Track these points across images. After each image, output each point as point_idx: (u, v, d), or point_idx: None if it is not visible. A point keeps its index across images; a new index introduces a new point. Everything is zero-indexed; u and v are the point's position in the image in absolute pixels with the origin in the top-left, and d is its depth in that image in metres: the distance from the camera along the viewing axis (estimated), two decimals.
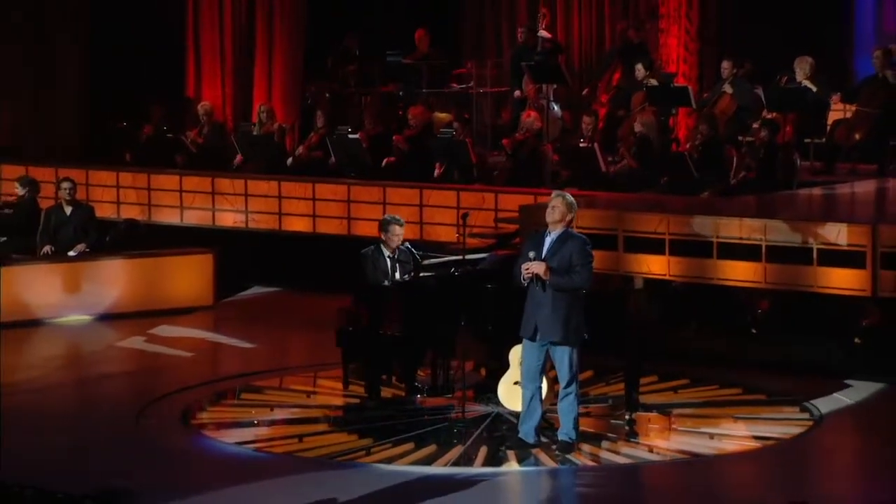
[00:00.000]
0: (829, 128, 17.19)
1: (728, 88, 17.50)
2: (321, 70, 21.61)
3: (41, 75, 21.30)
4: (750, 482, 10.67)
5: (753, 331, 14.09)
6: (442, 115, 19.62)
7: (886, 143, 16.66)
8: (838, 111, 17.51)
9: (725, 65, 17.65)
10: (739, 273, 13.06)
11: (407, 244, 12.69)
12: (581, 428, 11.07)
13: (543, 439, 11.05)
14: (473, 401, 12.13)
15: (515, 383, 11.31)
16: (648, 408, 12.08)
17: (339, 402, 12.53)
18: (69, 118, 21.49)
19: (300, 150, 19.63)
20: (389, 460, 10.82)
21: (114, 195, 19.36)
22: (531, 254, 10.79)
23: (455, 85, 20.72)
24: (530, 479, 10.65)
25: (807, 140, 16.83)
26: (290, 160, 19.45)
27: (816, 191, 15.63)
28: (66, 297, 15.98)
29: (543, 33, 19.46)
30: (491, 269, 12.62)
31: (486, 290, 11.90)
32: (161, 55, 21.38)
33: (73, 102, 21.47)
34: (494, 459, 10.84)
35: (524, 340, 10.94)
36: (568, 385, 10.88)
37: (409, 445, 11.12)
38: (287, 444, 11.28)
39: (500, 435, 11.39)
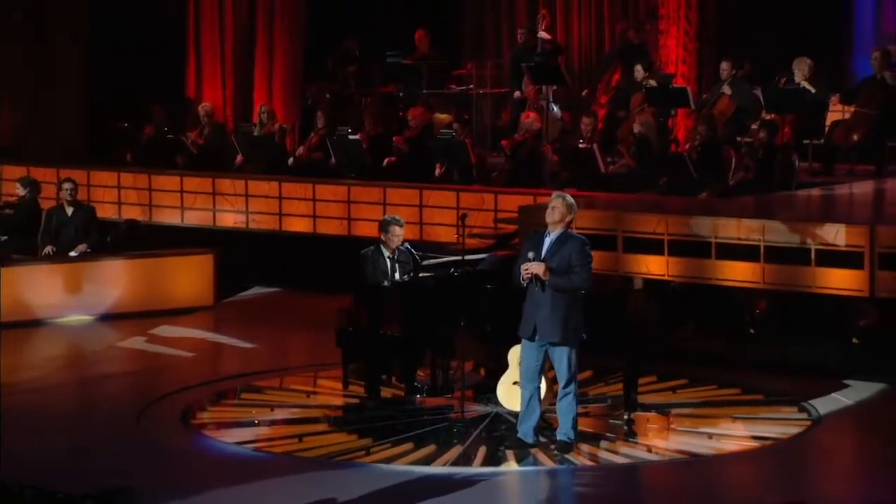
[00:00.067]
0: (827, 129, 17.21)
1: (727, 89, 17.54)
2: (321, 71, 21.64)
3: (41, 75, 21.32)
4: (748, 482, 10.69)
5: (752, 331, 14.11)
6: (442, 116, 19.65)
7: (884, 144, 16.69)
8: (837, 112, 17.53)
9: (724, 66, 17.69)
10: (738, 273, 13.10)
11: (406, 244, 12.71)
12: (580, 428, 11.09)
13: (542, 439, 11.08)
14: (473, 401, 12.15)
15: (514, 383, 11.34)
16: (647, 408, 12.09)
17: (338, 402, 12.55)
18: (69, 119, 21.50)
19: (300, 150, 19.67)
20: (389, 460, 10.84)
21: (115, 196, 19.40)
22: (530, 254, 10.82)
23: (455, 86, 20.74)
24: (529, 478, 10.67)
25: (805, 141, 16.85)
26: (290, 160, 19.50)
27: (815, 191, 15.65)
28: (67, 298, 16.00)
29: (543, 34, 19.49)
30: (490, 269, 12.62)
31: (486, 291, 11.93)
32: (161, 55, 21.41)
33: (73, 103, 21.49)
34: (493, 459, 10.86)
35: (523, 340, 10.97)
36: (567, 385, 10.90)
37: (409, 445, 11.14)
38: (287, 443, 11.31)
39: (499, 435, 11.41)
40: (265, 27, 21.64)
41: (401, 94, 20.55)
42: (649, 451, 11.13)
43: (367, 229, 16.17)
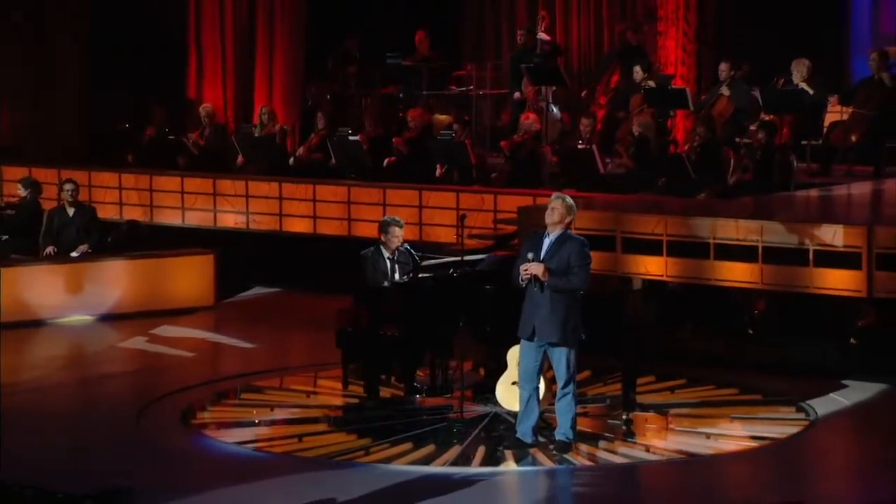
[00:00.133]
0: (825, 130, 17.24)
1: (725, 90, 17.57)
2: (322, 72, 21.67)
3: (41, 76, 21.33)
4: (746, 482, 10.72)
5: (750, 331, 14.14)
6: (442, 117, 19.68)
7: (882, 144, 16.71)
8: (835, 113, 17.55)
9: (723, 67, 17.72)
10: (736, 274, 13.11)
11: (406, 245, 12.74)
12: (578, 428, 11.12)
13: (541, 439, 11.10)
14: (472, 401, 12.17)
15: (513, 383, 11.36)
16: (646, 408, 12.11)
17: (338, 402, 12.57)
18: (70, 119, 21.52)
19: (300, 151, 19.71)
20: (388, 460, 10.87)
21: (116, 196, 19.42)
22: (530, 255, 10.85)
23: (455, 87, 20.77)
24: (528, 478, 10.69)
25: (803, 142, 16.87)
26: (291, 161, 19.54)
27: (813, 192, 15.66)
28: (68, 298, 16.03)
29: (543, 35, 19.53)
30: (489, 270, 12.62)
31: (485, 291, 11.95)
32: (162, 56, 21.43)
33: (73, 103, 21.51)
34: (492, 459, 10.88)
35: (522, 341, 10.99)
36: (565, 385, 10.94)
37: (408, 445, 11.17)
38: (287, 443, 11.33)
39: (498, 435, 11.43)
40: (265, 28, 21.67)
41: (401, 96, 20.58)
42: (648, 451, 11.16)
43: (367, 230, 16.21)
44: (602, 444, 11.26)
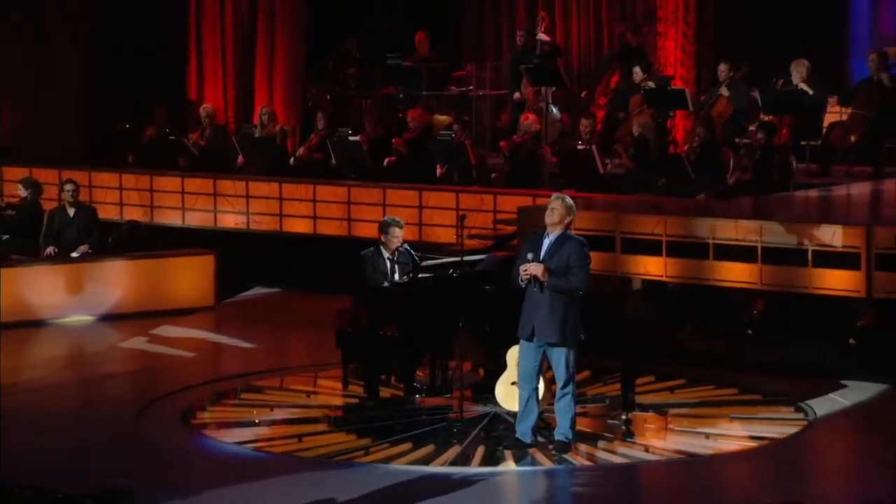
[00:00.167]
0: (824, 130, 17.26)
1: (725, 91, 17.59)
2: (322, 72, 21.70)
3: (41, 76, 21.34)
4: (745, 482, 10.74)
5: (749, 332, 14.15)
6: (442, 118, 19.71)
7: (881, 145, 16.74)
8: (834, 114, 17.57)
9: (722, 68, 17.75)
10: (735, 274, 13.13)
11: (406, 246, 12.77)
12: (578, 428, 11.13)
13: (540, 439, 11.12)
14: (471, 401, 12.19)
15: (513, 383, 11.38)
16: (645, 408, 12.14)
17: (338, 402, 12.59)
18: (70, 120, 21.53)
19: (300, 151, 19.73)
20: (388, 460, 10.88)
21: (116, 197, 19.44)
22: (529, 255, 10.87)
23: (455, 87, 20.80)
24: (527, 478, 10.71)
25: (803, 142, 16.89)
26: (291, 161, 19.57)
27: (812, 193, 15.68)
28: (68, 298, 16.05)
29: (542, 36, 19.56)
30: (489, 270, 12.64)
31: (485, 292, 11.97)
32: (162, 56, 21.45)
33: (73, 103, 21.52)
34: (492, 459, 10.90)
35: (521, 341, 11.01)
36: (565, 386, 10.95)
37: (408, 445, 11.19)
38: (286, 443, 11.35)
39: (497, 435, 11.44)
40: (266, 29, 21.69)
41: (401, 96, 20.61)
42: (647, 450, 11.18)
43: (367, 230, 16.23)
44: (601, 444, 11.28)
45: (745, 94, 17.61)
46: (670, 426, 11.82)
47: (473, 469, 10.67)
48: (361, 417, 12.10)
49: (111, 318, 16.08)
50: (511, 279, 11.01)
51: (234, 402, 12.72)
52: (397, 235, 12.65)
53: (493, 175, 17.77)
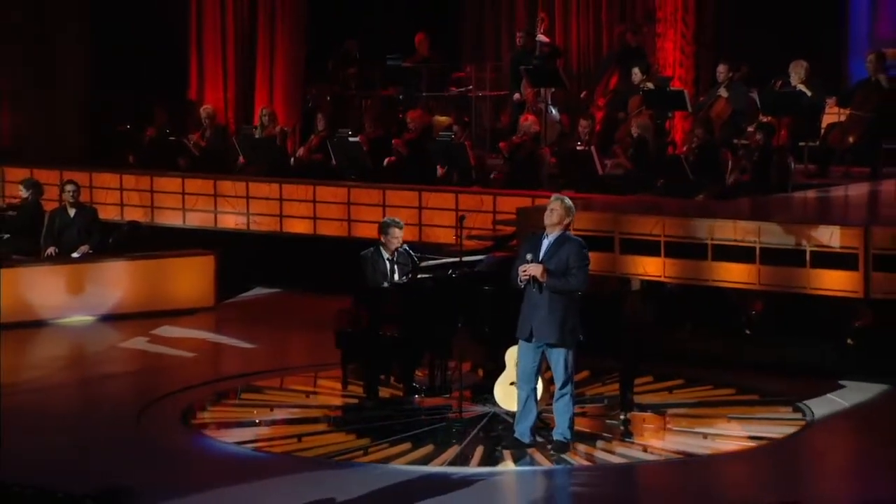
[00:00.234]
0: (823, 131, 17.28)
1: (723, 92, 17.63)
2: (322, 73, 21.71)
3: (42, 76, 21.36)
4: (744, 482, 10.77)
5: (747, 332, 14.17)
6: (441, 119, 19.74)
7: (879, 146, 16.78)
8: (832, 115, 17.60)
9: (721, 69, 17.78)
10: (734, 275, 13.16)
11: (405, 246, 12.80)
12: (576, 428, 11.17)
13: (539, 439, 11.15)
14: (470, 401, 12.22)
15: (512, 384, 11.39)
16: (643, 408, 12.17)
17: (338, 402, 12.62)
18: (71, 120, 21.55)
19: (300, 151, 19.76)
20: (387, 460, 10.91)
21: (117, 197, 19.46)
22: (528, 256, 10.90)
23: (454, 88, 20.83)
24: (526, 478, 10.75)
25: (801, 143, 16.91)
26: (291, 161, 19.60)
27: (810, 193, 15.71)
28: (69, 298, 16.08)
29: (542, 38, 19.59)
30: (488, 270, 12.68)
31: (484, 292, 12.01)
32: (162, 57, 21.47)
33: (74, 104, 21.54)
34: (491, 459, 10.93)
35: (520, 342, 11.04)
36: (563, 386, 10.98)
37: (407, 445, 11.22)
38: (286, 443, 11.38)
39: (496, 435, 11.48)
40: (266, 29, 21.71)
41: (401, 97, 20.64)
42: (645, 450, 11.21)
43: (367, 231, 16.26)
44: (600, 444, 11.31)
45: (743, 95, 17.63)
46: (668, 426, 11.85)
47: (472, 469, 10.70)
48: (361, 417, 12.13)
49: (112, 319, 16.10)
50: (510, 280, 11.04)
51: (234, 402, 12.75)
52: (397, 236, 12.68)
53: (493, 176, 17.80)
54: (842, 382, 12.95)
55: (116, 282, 16.37)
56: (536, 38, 19.59)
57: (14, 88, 21.30)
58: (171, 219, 19.07)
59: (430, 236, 16.62)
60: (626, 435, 11.59)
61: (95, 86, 21.57)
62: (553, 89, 18.87)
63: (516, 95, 19.69)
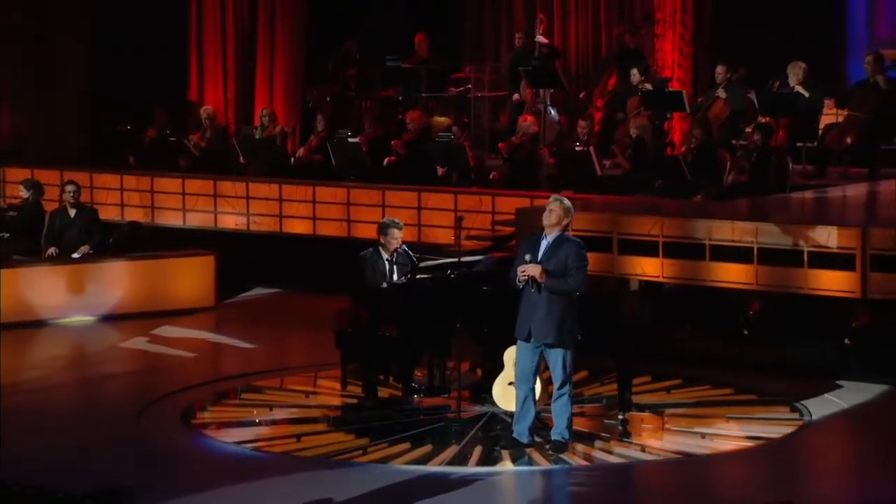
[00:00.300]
0: (820, 132, 17.32)
1: (722, 93, 17.67)
2: (322, 74, 21.73)
3: (42, 77, 21.39)
4: (742, 481, 10.79)
5: (745, 332, 14.20)
6: (441, 119, 19.78)
7: (877, 146, 16.82)
8: (830, 116, 17.64)
9: (719, 70, 17.83)
10: (732, 275, 13.18)
11: (404, 247, 12.84)
12: (574, 428, 11.20)
13: (537, 439, 11.16)
14: (469, 401, 12.25)
15: (510, 384, 11.42)
16: (641, 408, 12.19)
17: (337, 402, 12.64)
18: (71, 121, 21.56)
19: (300, 152, 19.79)
20: (386, 460, 10.94)
21: (117, 198, 19.48)
22: (527, 256, 10.92)
23: (453, 89, 20.86)
24: (524, 478, 10.77)
25: (799, 144, 16.95)
26: (292, 162, 19.64)
27: (808, 194, 15.74)
28: (69, 299, 16.10)
29: (541, 38, 19.63)
30: (487, 271, 12.70)
31: (482, 292, 12.03)
32: (163, 57, 21.49)
33: (74, 104, 21.55)
34: (489, 459, 10.95)
35: (518, 342, 11.06)
36: (562, 386, 11.01)
37: (406, 445, 11.24)
38: (285, 443, 11.41)
39: (494, 435, 11.50)
40: (266, 30, 21.74)
41: (400, 98, 20.68)
42: (643, 450, 11.24)
43: (367, 231, 16.30)
44: (598, 443, 11.33)
45: (741, 96, 17.68)
46: (667, 426, 11.87)
47: (471, 469, 10.73)
48: (360, 417, 12.16)
49: (112, 319, 16.12)
50: (509, 280, 11.06)
51: (234, 402, 12.78)
52: (396, 237, 12.71)
53: (492, 176, 17.83)
54: (839, 382, 12.97)
55: (117, 282, 16.40)
56: (535, 39, 19.62)
57: (14, 88, 21.30)
58: (172, 219, 19.09)
59: (429, 237, 16.65)
60: (624, 435, 11.61)
61: (95, 86, 21.58)
62: (552, 90, 18.91)
63: (515, 96, 19.72)
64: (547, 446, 11.08)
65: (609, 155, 17.73)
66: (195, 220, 18.91)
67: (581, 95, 20.37)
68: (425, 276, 12.57)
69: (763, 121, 16.90)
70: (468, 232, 14.95)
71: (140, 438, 11.66)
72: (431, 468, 10.73)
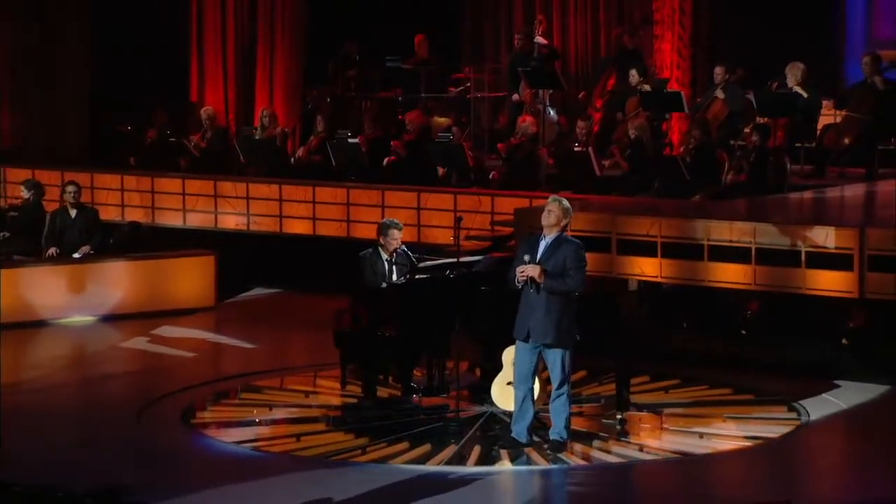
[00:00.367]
0: (819, 133, 17.34)
1: (720, 94, 17.69)
2: (322, 75, 21.76)
3: (42, 77, 21.40)
4: (740, 481, 10.81)
5: (743, 332, 14.22)
6: (440, 120, 19.81)
7: (875, 147, 16.83)
8: (828, 116, 17.66)
9: (718, 70, 17.85)
10: (730, 275, 13.19)
11: (404, 247, 12.87)
12: (573, 427, 11.24)
13: (536, 439, 11.19)
14: (468, 401, 12.28)
15: (509, 384, 11.46)
16: (640, 407, 12.22)
17: (336, 401, 12.67)
18: (71, 120, 21.56)
19: (300, 153, 19.83)
20: (385, 459, 10.97)
21: (118, 198, 19.49)
22: (526, 257, 10.95)
23: (453, 90, 20.89)
24: (522, 477, 10.80)
25: (797, 144, 17.00)
26: (292, 162, 19.67)
27: (806, 194, 15.75)
28: (70, 299, 16.12)
29: (540, 39, 19.66)
30: (486, 271, 12.71)
31: (481, 293, 12.06)
32: (163, 58, 21.51)
33: (74, 104, 21.56)
34: (488, 458, 10.98)
35: (517, 342, 11.09)
36: (560, 386, 11.04)
37: (405, 444, 11.26)
38: (285, 443, 11.44)
39: (493, 434, 11.52)
40: (266, 31, 21.77)
41: (400, 99, 20.71)
42: (642, 450, 11.27)
43: (366, 231, 16.32)
44: (596, 443, 11.36)
45: (740, 96, 17.70)
46: (665, 426, 11.90)
47: (469, 468, 10.75)
48: (359, 417, 12.18)
49: (112, 319, 16.13)
50: (507, 280, 11.08)
51: (234, 401, 12.80)
52: (396, 237, 12.74)
53: (491, 176, 17.86)
54: (837, 382, 12.99)
55: (117, 282, 16.42)
56: (535, 40, 19.65)
57: (14, 88, 21.31)
58: (172, 219, 19.10)
59: (428, 237, 16.67)
60: (622, 434, 11.63)
61: (96, 86, 21.59)
62: (551, 91, 18.94)
63: (514, 97, 19.76)
64: (545, 446, 11.11)
65: (608, 155, 17.76)
66: (195, 220, 18.92)
67: (580, 96, 20.39)
68: (425, 276, 12.59)
69: (761, 121, 16.92)
70: (467, 232, 14.97)
71: (140, 438, 11.68)
72: (430, 468, 10.76)
